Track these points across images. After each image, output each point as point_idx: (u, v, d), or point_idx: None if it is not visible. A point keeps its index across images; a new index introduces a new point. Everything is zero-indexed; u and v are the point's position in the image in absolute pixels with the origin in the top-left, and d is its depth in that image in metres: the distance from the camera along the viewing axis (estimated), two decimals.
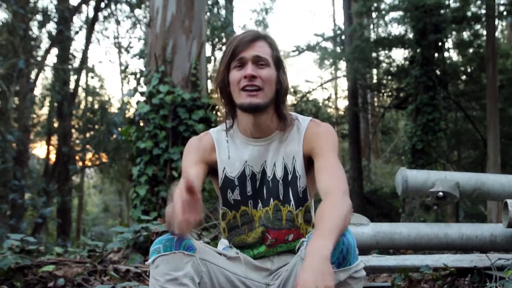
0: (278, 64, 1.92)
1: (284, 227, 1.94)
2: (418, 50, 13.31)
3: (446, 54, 15.51)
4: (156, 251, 1.69)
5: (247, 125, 1.94)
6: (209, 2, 16.90)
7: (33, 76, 18.58)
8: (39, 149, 23.72)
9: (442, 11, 13.35)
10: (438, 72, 13.56)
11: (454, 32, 15.43)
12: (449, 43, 16.21)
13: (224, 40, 17.35)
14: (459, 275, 3.17)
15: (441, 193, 3.50)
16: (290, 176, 1.93)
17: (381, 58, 17.80)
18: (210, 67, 17.18)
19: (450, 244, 3.49)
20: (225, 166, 1.96)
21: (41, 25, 18.07)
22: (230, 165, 1.96)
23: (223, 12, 17.87)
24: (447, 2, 13.60)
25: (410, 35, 14.65)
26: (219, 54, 18.94)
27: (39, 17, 17.96)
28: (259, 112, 1.88)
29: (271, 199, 1.94)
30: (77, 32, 19.74)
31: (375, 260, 3.38)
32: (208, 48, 16.59)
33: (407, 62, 15.20)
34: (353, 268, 1.63)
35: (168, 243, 1.68)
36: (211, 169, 2.00)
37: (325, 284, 1.44)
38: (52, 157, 19.69)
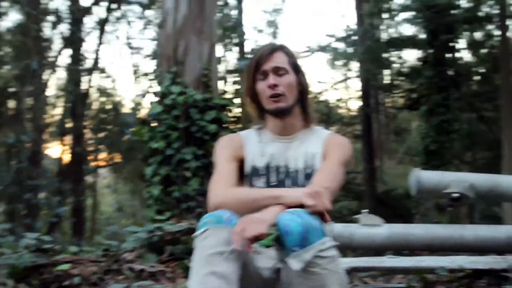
0: (296, 68, 2.19)
1: None
2: (431, 51, 13.23)
3: (458, 54, 15.41)
4: (206, 223, 1.78)
5: (275, 126, 2.20)
6: (220, 3, 16.92)
7: (46, 77, 18.71)
8: (53, 149, 23.87)
9: (454, 11, 13.27)
10: (451, 72, 13.48)
11: (466, 33, 15.32)
12: (461, 44, 16.10)
13: (235, 41, 17.37)
14: (475, 277, 3.15)
15: (455, 194, 3.48)
16: (309, 170, 2.14)
17: (393, 58, 17.73)
18: (222, 68, 17.22)
19: (465, 246, 3.48)
20: (253, 157, 2.18)
21: (54, 26, 18.19)
22: (257, 156, 2.18)
23: (234, 12, 17.90)
24: (459, 2, 13.51)
25: (422, 36, 14.58)
26: (230, 55, 18.99)
27: (51, 18, 18.07)
28: (285, 115, 2.15)
29: (295, 188, 2.09)
30: (89, 33, 19.84)
31: (389, 261, 3.37)
32: (219, 49, 16.63)
33: (419, 63, 15.13)
34: (317, 246, 1.71)
35: (218, 218, 1.79)
36: (240, 167, 2.19)
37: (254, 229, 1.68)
38: (66, 157, 19.82)
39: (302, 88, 2.19)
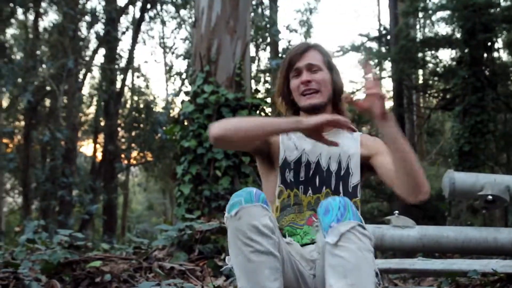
0: (330, 67, 2.21)
1: None
2: (466, 50, 13.01)
3: (495, 54, 15.12)
4: (238, 203, 1.77)
5: None
6: (254, 2, 16.94)
7: (81, 75, 19.02)
8: (86, 147, 24.27)
9: (492, 10, 13.01)
10: (487, 72, 13.23)
11: (504, 32, 15.02)
12: (499, 43, 15.79)
13: (268, 40, 17.37)
14: (509, 281, 3.08)
15: (490, 197, 3.42)
16: (343, 172, 2.15)
17: (428, 58, 17.49)
18: (254, 67, 17.24)
19: (499, 249, 3.41)
20: (286, 149, 2.18)
21: (90, 25, 18.48)
22: (290, 150, 2.18)
23: (267, 12, 17.89)
24: (498, 1, 13.25)
25: (458, 35, 14.35)
26: (263, 55, 19.00)
27: (87, 18, 18.36)
28: (319, 111, 2.13)
29: (324, 187, 2.13)
30: (124, 33, 20.10)
31: (420, 263, 3.32)
32: (252, 48, 16.65)
33: (454, 63, 14.90)
34: (352, 223, 1.75)
35: (248, 196, 1.78)
36: (268, 157, 2.20)
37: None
38: (99, 155, 20.12)
39: (335, 87, 2.19)
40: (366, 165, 2.19)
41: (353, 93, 22.07)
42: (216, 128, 1.98)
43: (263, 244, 1.71)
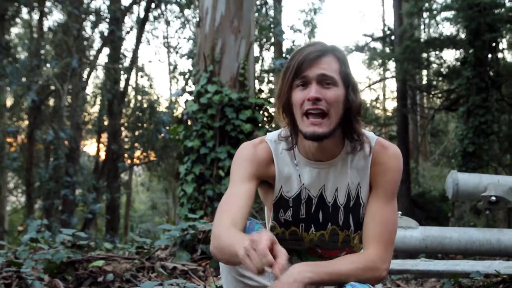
0: (347, 81, 1.74)
1: (338, 248, 1.90)
2: (471, 51, 12.98)
3: (500, 55, 15.08)
4: None
5: (309, 148, 1.80)
6: (258, 2, 16.93)
7: (85, 75, 19.05)
8: (90, 147, 24.30)
9: (497, 11, 12.98)
10: (491, 73, 13.19)
11: (509, 32, 14.99)
12: (503, 44, 15.76)
13: (272, 40, 17.36)
14: (511, 283, 3.07)
15: (494, 198, 3.42)
16: (352, 203, 1.83)
17: (432, 58, 17.47)
18: (258, 67, 17.24)
19: (503, 251, 3.40)
20: (283, 184, 1.84)
21: (94, 25, 18.52)
22: (287, 184, 1.84)
23: (271, 12, 17.88)
24: (503, 1, 13.21)
25: (463, 35, 14.32)
26: (267, 55, 18.99)
27: (92, 17, 18.39)
28: (322, 140, 1.73)
29: (329, 224, 1.86)
30: (128, 32, 20.13)
31: (423, 264, 3.32)
32: (256, 48, 16.64)
33: (458, 63, 14.86)
34: None
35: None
36: (263, 181, 1.89)
37: None
38: (102, 154, 20.14)
39: (350, 106, 1.73)
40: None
41: (362, 108, 22.04)
42: (212, 242, 1.74)
43: (254, 279, 1.68)
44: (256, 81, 14.48)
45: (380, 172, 1.79)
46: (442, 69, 17.03)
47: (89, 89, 21.98)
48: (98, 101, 21.85)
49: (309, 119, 1.69)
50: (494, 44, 13.44)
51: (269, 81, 17.97)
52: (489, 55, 13.41)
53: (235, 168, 1.84)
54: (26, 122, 19.74)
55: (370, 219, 1.78)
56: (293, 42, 18.86)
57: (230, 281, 1.70)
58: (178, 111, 18.18)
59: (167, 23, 20.77)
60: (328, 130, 1.70)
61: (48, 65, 17.79)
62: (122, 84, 19.44)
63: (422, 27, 20.17)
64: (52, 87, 18.00)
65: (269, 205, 1.92)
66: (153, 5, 19.32)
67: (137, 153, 20.98)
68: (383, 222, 1.76)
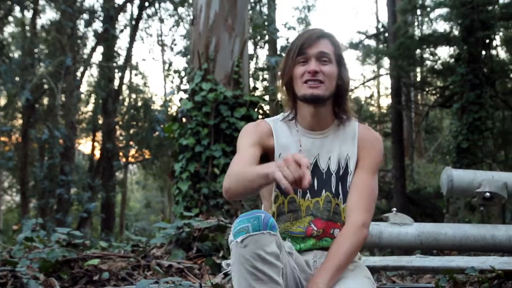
0: (340, 61, 2.06)
1: (331, 218, 2.04)
2: (465, 48, 13.02)
3: (493, 51, 15.12)
4: (244, 230, 1.71)
5: (305, 117, 2.07)
6: (252, 0, 16.92)
7: (79, 73, 19.00)
8: (84, 145, 24.25)
9: (490, 8, 13.02)
10: (485, 70, 13.23)
11: (502, 29, 15.04)
12: (497, 41, 15.81)
13: (266, 38, 17.36)
14: (506, 278, 3.08)
15: (488, 194, 3.42)
16: (342, 171, 2.06)
17: (426, 55, 17.51)
18: (252, 65, 17.24)
19: (497, 246, 3.41)
20: (281, 152, 2.06)
21: (88, 23, 18.46)
22: (285, 151, 2.05)
23: (265, 10, 17.88)
24: None
25: (456, 32, 14.36)
26: (261, 52, 18.98)
27: (85, 15, 18.34)
28: (320, 104, 2.02)
29: (323, 190, 2.05)
30: (122, 30, 20.10)
31: (418, 260, 3.33)
32: (250, 46, 16.65)
33: (452, 60, 14.91)
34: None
35: (256, 222, 1.72)
36: (264, 155, 2.10)
37: None
38: (97, 153, 20.10)
39: (341, 82, 2.05)
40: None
41: (351, 90, 22.08)
42: (225, 181, 1.91)
43: (267, 273, 1.70)
44: (251, 79, 14.48)
45: (367, 148, 2.08)
46: (436, 66, 17.08)
47: (83, 88, 21.94)
48: (92, 99, 21.79)
49: (308, 84, 1.99)
50: (487, 41, 13.48)
51: (264, 79, 17.99)
52: (483, 52, 13.45)
53: (240, 140, 2.10)
54: (20, 121, 19.68)
55: (354, 188, 2.04)
56: (287, 39, 18.86)
57: (242, 274, 1.71)
58: (173, 109, 18.16)
59: (161, 21, 20.75)
60: (323, 93, 2.00)
61: (41, 63, 17.74)
62: (116, 82, 19.39)
63: (416, 24, 20.18)
64: (46, 86, 17.95)
65: None
66: (146, 3, 19.28)
67: (132, 151, 20.94)
68: (366, 191, 2.03)
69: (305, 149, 2.06)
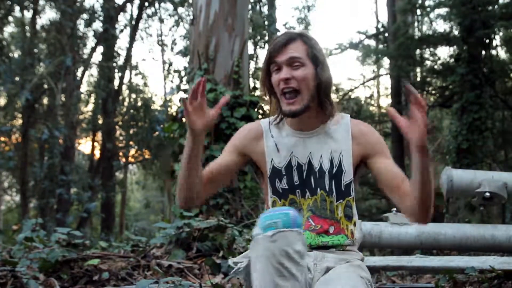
0: (316, 60, 1.99)
1: (328, 216, 2.03)
2: (464, 48, 13.01)
3: (493, 51, 15.12)
4: (274, 225, 1.70)
5: (292, 122, 2.07)
6: (252, 0, 16.92)
7: (79, 73, 19.00)
8: (84, 145, 24.25)
9: (490, 7, 13.02)
10: (485, 70, 13.23)
11: (502, 29, 15.03)
12: (497, 40, 15.81)
13: (266, 38, 17.36)
14: (506, 278, 3.09)
15: (488, 194, 3.43)
16: (335, 169, 2.03)
17: (426, 55, 17.51)
18: (252, 64, 17.23)
19: (497, 246, 3.42)
20: (273, 157, 2.06)
21: (88, 23, 18.47)
22: (277, 155, 2.06)
23: (266, 9, 17.88)
24: None
25: (456, 32, 14.36)
26: (261, 52, 18.99)
27: (85, 15, 18.34)
28: (300, 115, 2.00)
29: (318, 189, 2.03)
30: (121, 30, 20.09)
31: (418, 260, 3.33)
32: (250, 46, 16.64)
33: (452, 60, 14.91)
34: None
35: (286, 218, 1.72)
36: (252, 161, 2.11)
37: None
38: (97, 153, 20.11)
39: (320, 82, 1.98)
40: (361, 162, 2.07)
41: (350, 90, 22.07)
42: (177, 200, 2.01)
43: (291, 271, 1.69)
44: (251, 78, 14.48)
45: (370, 143, 2.05)
46: (436, 66, 17.07)
47: (83, 88, 21.92)
48: (92, 99, 21.78)
49: (286, 99, 1.98)
50: (487, 41, 13.49)
51: None
52: (483, 52, 13.45)
53: (230, 141, 2.15)
54: (20, 121, 19.68)
55: (391, 171, 1.98)
56: None
57: (267, 268, 1.69)
58: (173, 109, 18.15)
59: (161, 21, 20.74)
60: (301, 107, 1.97)
61: (41, 63, 17.74)
62: (116, 82, 19.39)
63: (415, 24, 20.18)
64: (46, 86, 17.94)
65: (266, 182, 2.09)
66: (146, 3, 19.29)
67: (132, 151, 20.94)
68: (401, 172, 1.97)
69: (295, 150, 2.05)
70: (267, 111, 2.42)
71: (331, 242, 2.01)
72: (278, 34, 2.14)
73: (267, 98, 2.09)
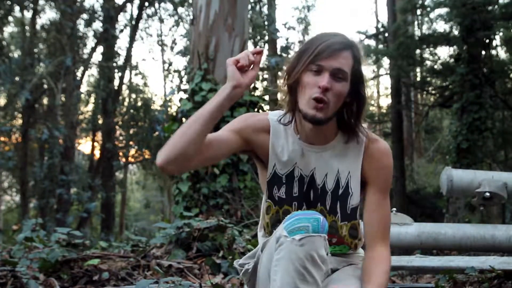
0: (356, 78, 1.85)
1: (328, 231, 1.94)
2: (464, 48, 13.01)
3: (493, 51, 15.12)
4: (304, 228, 1.68)
5: (304, 129, 1.92)
6: (252, 0, 16.92)
7: (79, 73, 19.00)
8: (84, 145, 24.24)
9: (490, 8, 13.01)
10: (485, 70, 13.22)
11: (502, 29, 15.03)
12: (497, 41, 15.80)
13: (266, 38, 17.36)
14: (506, 278, 3.09)
15: (488, 194, 3.43)
16: (341, 191, 1.94)
17: (426, 55, 17.49)
18: None
19: (497, 246, 3.42)
20: (276, 162, 1.95)
21: (88, 23, 18.47)
22: (281, 161, 1.95)
23: (265, 10, 17.88)
24: None
25: (456, 32, 14.35)
26: None
27: (85, 15, 18.34)
28: (320, 125, 1.85)
29: (318, 204, 1.95)
30: (121, 31, 20.10)
31: (418, 260, 3.33)
32: (250, 46, 16.64)
33: (452, 60, 14.90)
34: None
35: (316, 224, 1.70)
36: (252, 151, 1.99)
37: None
38: (97, 153, 20.11)
39: (350, 100, 1.86)
40: (364, 181, 1.97)
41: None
42: (158, 157, 1.83)
43: (313, 275, 1.69)
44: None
45: (376, 169, 1.94)
46: (436, 66, 17.05)
47: (83, 88, 21.94)
48: (92, 99, 21.80)
49: (316, 102, 1.79)
50: (487, 41, 13.48)
51: (264, 79, 17.98)
52: (483, 52, 13.44)
53: (230, 122, 1.96)
54: (20, 121, 19.68)
55: (371, 215, 1.93)
56: (287, 39, 18.88)
57: (289, 271, 1.68)
58: (173, 109, 18.16)
59: (161, 21, 20.76)
60: (325, 116, 1.81)
61: (41, 63, 17.73)
62: (116, 82, 19.40)
63: (415, 24, 20.19)
64: (46, 86, 17.94)
65: (264, 184, 2.01)
66: (146, 3, 19.29)
67: (132, 151, 20.94)
68: (383, 218, 1.93)
69: (301, 161, 1.94)
70: (267, 111, 2.32)
71: (333, 252, 1.97)
72: (329, 32, 1.87)
73: (284, 88, 1.90)
